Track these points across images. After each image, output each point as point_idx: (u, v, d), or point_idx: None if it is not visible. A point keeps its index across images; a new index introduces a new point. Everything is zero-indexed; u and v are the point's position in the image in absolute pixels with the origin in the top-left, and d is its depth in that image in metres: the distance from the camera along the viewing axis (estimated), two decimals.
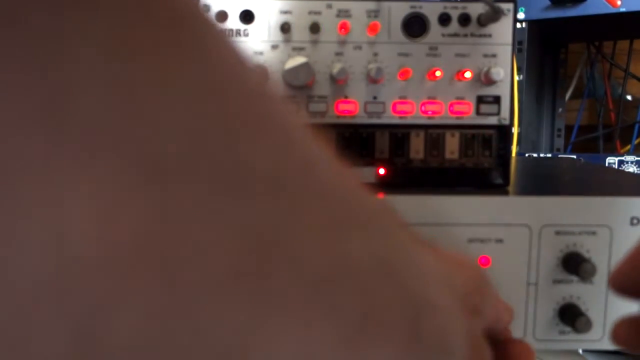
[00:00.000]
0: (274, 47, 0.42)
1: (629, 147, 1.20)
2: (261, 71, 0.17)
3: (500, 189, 0.44)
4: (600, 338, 0.39)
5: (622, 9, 0.94)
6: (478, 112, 0.44)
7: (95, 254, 0.10)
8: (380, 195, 0.39)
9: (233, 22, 0.42)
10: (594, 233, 0.39)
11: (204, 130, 0.12)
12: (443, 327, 0.21)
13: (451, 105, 0.44)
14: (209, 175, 0.12)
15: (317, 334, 0.15)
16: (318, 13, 0.42)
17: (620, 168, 0.96)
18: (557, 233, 0.39)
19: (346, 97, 0.43)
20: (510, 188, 0.45)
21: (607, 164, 0.97)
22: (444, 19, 0.43)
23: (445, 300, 0.22)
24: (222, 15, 0.42)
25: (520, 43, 1.03)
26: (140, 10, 0.12)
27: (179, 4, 0.13)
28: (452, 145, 0.44)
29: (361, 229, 0.17)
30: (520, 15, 1.01)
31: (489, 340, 0.34)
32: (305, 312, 0.14)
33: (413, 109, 0.44)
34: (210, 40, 0.14)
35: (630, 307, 0.32)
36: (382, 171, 0.44)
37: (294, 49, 0.42)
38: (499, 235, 0.39)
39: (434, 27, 0.43)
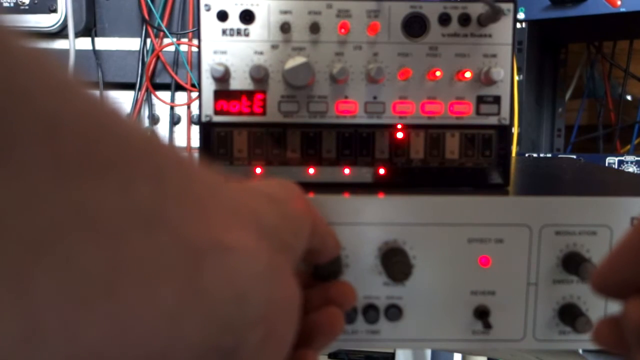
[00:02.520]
0: (274, 47, 0.42)
1: (629, 147, 1.20)
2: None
3: (500, 189, 0.44)
4: None
5: (622, 9, 0.93)
6: (478, 112, 0.44)
7: None
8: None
9: (233, 22, 0.42)
10: (594, 233, 0.39)
11: None
12: (233, 270, 0.20)
13: (451, 105, 0.44)
14: None
15: (39, 298, 0.14)
16: (318, 13, 0.42)
17: (620, 168, 0.96)
18: (557, 233, 0.39)
19: (346, 97, 0.43)
20: (510, 188, 0.45)
21: (607, 164, 0.97)
22: (444, 19, 0.43)
23: (244, 240, 0.21)
24: (222, 15, 0.42)
25: (520, 43, 1.03)
26: None
27: None
28: (452, 145, 0.44)
29: (106, 176, 0.16)
30: (520, 15, 1.01)
31: (309, 278, 0.35)
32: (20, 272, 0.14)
33: (413, 109, 0.44)
34: None
35: None
36: (382, 171, 0.44)
37: (294, 49, 0.42)
38: (499, 235, 0.39)
39: (434, 27, 0.43)
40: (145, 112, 1.06)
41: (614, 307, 0.39)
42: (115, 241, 0.16)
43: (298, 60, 0.42)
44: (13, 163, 0.13)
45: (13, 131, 0.14)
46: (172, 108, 1.06)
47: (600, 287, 0.26)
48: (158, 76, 1.06)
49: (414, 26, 0.43)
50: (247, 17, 0.42)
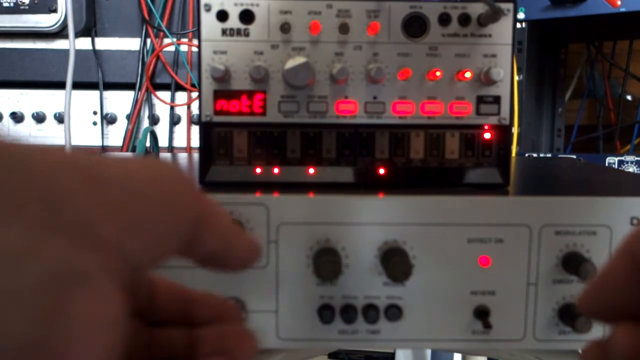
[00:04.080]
0: (274, 47, 0.42)
1: (629, 147, 1.20)
2: None
3: (500, 189, 0.44)
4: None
5: (622, 9, 0.94)
6: (478, 112, 0.44)
7: None
8: (381, 195, 0.39)
9: (233, 22, 0.42)
10: (594, 233, 0.39)
11: None
12: None
13: (451, 105, 0.44)
14: None
15: None
16: (318, 13, 0.42)
17: (620, 168, 0.96)
18: (557, 233, 0.39)
19: (346, 97, 0.43)
20: (510, 188, 0.45)
21: (607, 164, 0.97)
22: (444, 19, 0.43)
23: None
24: (222, 15, 0.42)
25: (520, 43, 1.03)
26: None
27: None
28: (452, 145, 0.44)
29: None
30: (520, 15, 1.02)
31: (201, 311, 0.28)
32: None
33: (413, 109, 0.44)
34: None
35: None
36: (382, 171, 0.44)
37: (294, 49, 0.42)
38: (499, 235, 0.39)
39: (434, 27, 0.43)
40: (145, 112, 1.06)
41: None
42: None
43: (298, 60, 0.42)
44: None
45: None
46: (172, 108, 1.06)
47: (587, 311, 0.26)
48: (158, 76, 1.06)
49: (414, 26, 0.43)
50: (247, 17, 0.42)
